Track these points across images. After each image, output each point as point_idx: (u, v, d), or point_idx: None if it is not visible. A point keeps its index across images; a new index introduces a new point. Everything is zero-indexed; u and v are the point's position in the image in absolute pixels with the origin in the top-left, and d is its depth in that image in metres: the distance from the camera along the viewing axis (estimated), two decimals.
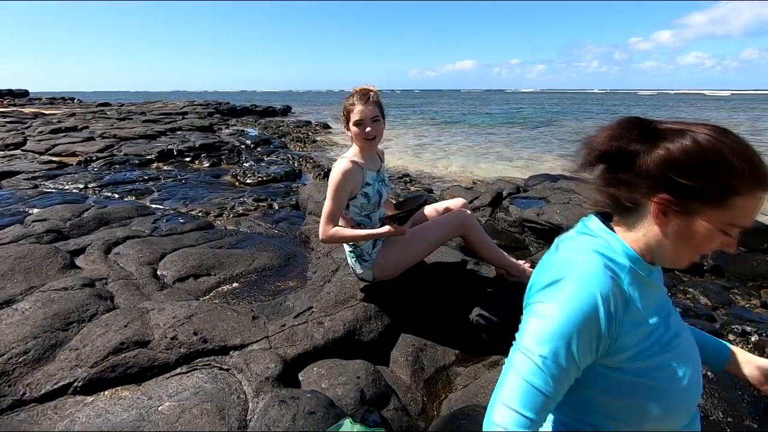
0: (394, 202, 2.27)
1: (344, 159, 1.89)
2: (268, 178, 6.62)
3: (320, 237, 1.83)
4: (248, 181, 6.54)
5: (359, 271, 2.03)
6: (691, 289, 2.89)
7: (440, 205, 2.29)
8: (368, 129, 1.85)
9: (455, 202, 2.28)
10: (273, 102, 32.86)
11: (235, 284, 2.55)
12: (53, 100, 32.11)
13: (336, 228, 1.82)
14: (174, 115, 16.25)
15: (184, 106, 21.25)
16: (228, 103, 25.19)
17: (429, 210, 2.24)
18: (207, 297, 2.37)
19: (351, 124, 1.86)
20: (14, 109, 20.74)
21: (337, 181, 1.82)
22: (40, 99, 33.19)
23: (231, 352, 1.58)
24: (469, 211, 2.13)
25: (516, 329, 0.72)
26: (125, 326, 1.66)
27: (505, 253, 2.33)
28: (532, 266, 2.97)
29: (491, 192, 4.04)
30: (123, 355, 1.51)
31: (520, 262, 2.66)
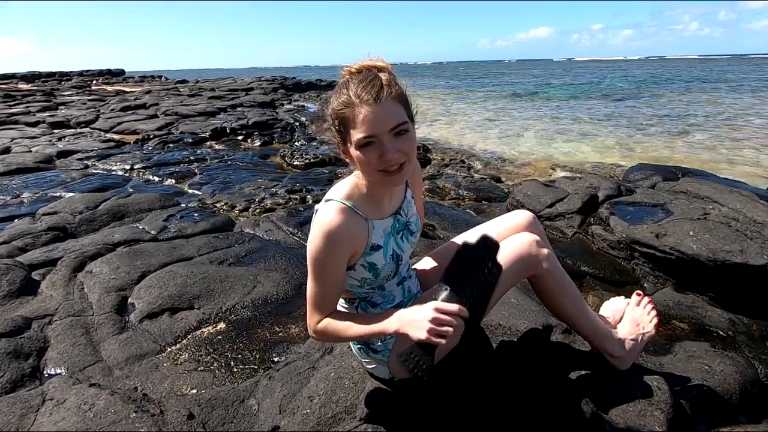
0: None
1: (332, 204, 1.01)
2: (315, 160, 6.02)
3: (309, 332, 1.06)
4: (296, 162, 5.99)
5: (368, 365, 1.24)
6: None
7: (494, 227, 1.32)
8: (389, 156, 0.92)
9: (517, 220, 1.32)
10: (337, 76, 32.45)
11: (220, 325, 1.89)
12: (143, 78, 34.30)
13: (327, 321, 1.02)
14: (239, 92, 16.26)
15: (251, 82, 21.41)
16: (294, 78, 25.12)
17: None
18: (176, 347, 1.74)
19: (352, 145, 0.96)
20: (101, 87, 22.28)
21: (320, 250, 0.98)
22: (132, 77, 35.71)
23: None
24: (538, 238, 1.20)
25: None
26: None
27: (597, 317, 1.33)
28: (661, 315, 1.71)
29: (582, 194, 2.99)
30: None
31: (628, 303, 1.44)
